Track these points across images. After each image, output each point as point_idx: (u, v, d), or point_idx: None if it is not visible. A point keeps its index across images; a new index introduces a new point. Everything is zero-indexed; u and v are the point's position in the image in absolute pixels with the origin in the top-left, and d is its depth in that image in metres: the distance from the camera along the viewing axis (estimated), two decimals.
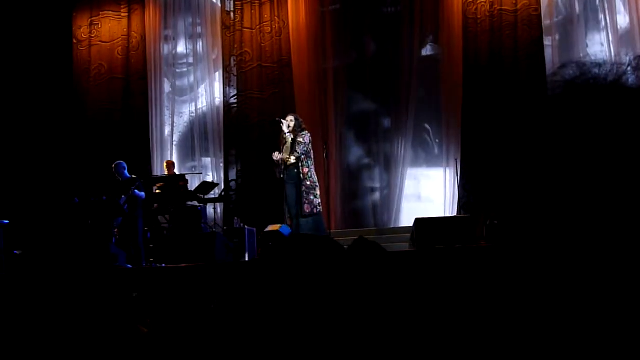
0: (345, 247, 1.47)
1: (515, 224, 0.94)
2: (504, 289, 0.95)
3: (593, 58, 0.94)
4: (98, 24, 12.00)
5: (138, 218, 8.58)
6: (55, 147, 11.33)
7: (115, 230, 8.88)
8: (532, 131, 0.93)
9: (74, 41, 12.02)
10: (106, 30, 11.96)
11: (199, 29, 11.75)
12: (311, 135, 8.53)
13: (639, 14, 9.71)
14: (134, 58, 11.82)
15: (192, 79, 11.76)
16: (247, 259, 8.49)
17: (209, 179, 10.91)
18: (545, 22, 10.12)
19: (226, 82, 11.47)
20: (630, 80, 0.90)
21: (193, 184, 10.35)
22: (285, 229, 8.27)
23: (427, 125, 10.69)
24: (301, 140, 8.22)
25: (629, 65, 0.91)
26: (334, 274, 1.32)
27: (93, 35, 11.98)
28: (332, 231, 9.18)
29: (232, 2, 11.56)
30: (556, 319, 0.87)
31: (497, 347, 0.98)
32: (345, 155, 10.88)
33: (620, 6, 9.94)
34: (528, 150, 0.92)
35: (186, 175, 10.20)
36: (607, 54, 9.30)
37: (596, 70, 0.91)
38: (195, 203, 9.83)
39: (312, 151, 8.45)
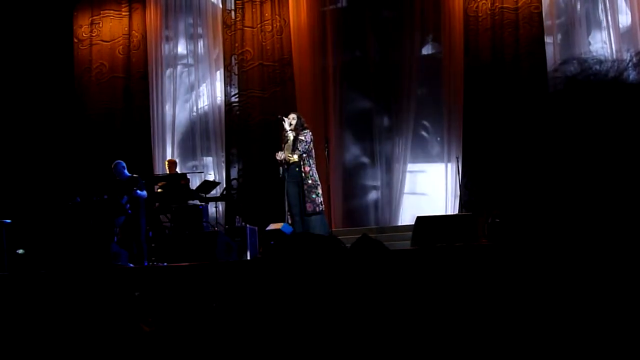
0: (347, 245, 1.47)
1: (516, 222, 0.94)
2: (505, 286, 0.95)
3: (594, 55, 0.94)
4: (99, 23, 12.00)
5: (140, 217, 8.59)
6: (57, 146, 11.34)
7: (118, 229, 8.88)
8: (533, 129, 0.93)
9: (75, 40, 12.02)
10: (107, 30, 11.96)
11: (199, 28, 11.74)
12: (312, 134, 8.51)
13: None
14: (135, 57, 11.82)
15: (193, 77, 11.75)
16: (248, 258, 8.50)
17: (211, 177, 10.91)
18: (547, 22, 10.09)
19: (227, 81, 11.47)
20: (631, 76, 0.90)
21: (194, 182, 10.35)
22: (287, 228, 8.26)
23: (428, 124, 10.67)
24: (303, 138, 8.19)
25: (630, 62, 0.91)
26: (336, 272, 1.32)
27: (94, 35, 11.98)
28: (333, 229, 9.18)
29: (232, 1, 11.56)
30: (557, 318, 0.87)
31: (498, 345, 0.98)
32: (346, 153, 10.87)
33: (622, 4, 9.92)
34: (529, 149, 0.92)
35: (188, 174, 10.19)
36: (609, 52, 9.28)
37: (597, 67, 0.91)
38: (197, 202, 9.83)
39: (313, 150, 8.43)
